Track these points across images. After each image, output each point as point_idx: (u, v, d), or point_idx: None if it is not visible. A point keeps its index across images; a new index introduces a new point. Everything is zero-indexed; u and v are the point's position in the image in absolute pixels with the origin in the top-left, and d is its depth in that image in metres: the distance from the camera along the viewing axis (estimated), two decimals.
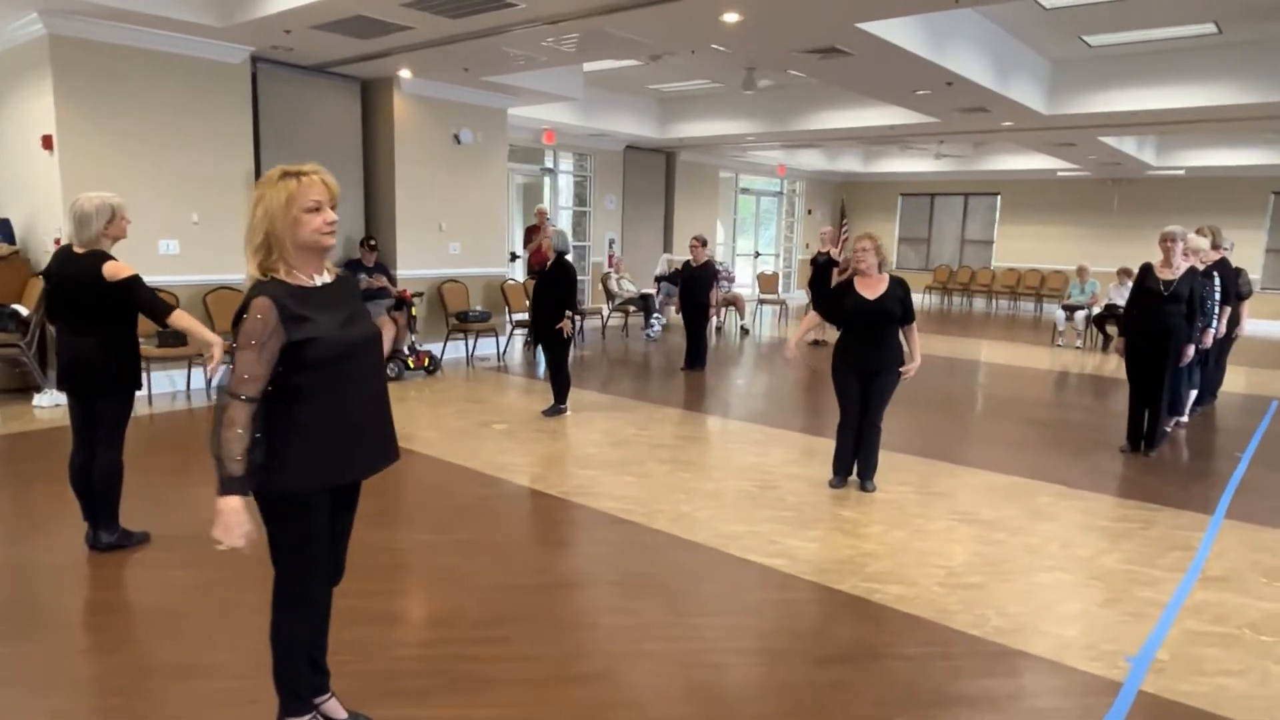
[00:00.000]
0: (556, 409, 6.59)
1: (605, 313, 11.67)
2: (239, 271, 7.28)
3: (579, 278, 8.19)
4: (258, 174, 7.43)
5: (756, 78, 9.68)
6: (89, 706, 2.57)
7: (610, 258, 13.44)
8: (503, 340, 9.47)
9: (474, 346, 9.18)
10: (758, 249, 17.48)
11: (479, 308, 9.15)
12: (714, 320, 12.40)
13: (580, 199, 13.68)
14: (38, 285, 6.63)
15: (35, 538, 3.95)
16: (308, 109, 7.96)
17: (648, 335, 11.09)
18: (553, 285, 6.44)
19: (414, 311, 8.09)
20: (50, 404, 6.40)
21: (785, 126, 11.80)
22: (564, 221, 13.60)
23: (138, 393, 3.80)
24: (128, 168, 6.60)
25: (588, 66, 9.93)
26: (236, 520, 2.04)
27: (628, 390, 7.87)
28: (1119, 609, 3.46)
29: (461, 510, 4.50)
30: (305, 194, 2.13)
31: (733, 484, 4.97)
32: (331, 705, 2.47)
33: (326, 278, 2.23)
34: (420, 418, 6.44)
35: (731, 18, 5.68)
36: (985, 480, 5.20)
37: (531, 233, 10.40)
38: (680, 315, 9.04)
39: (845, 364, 4.84)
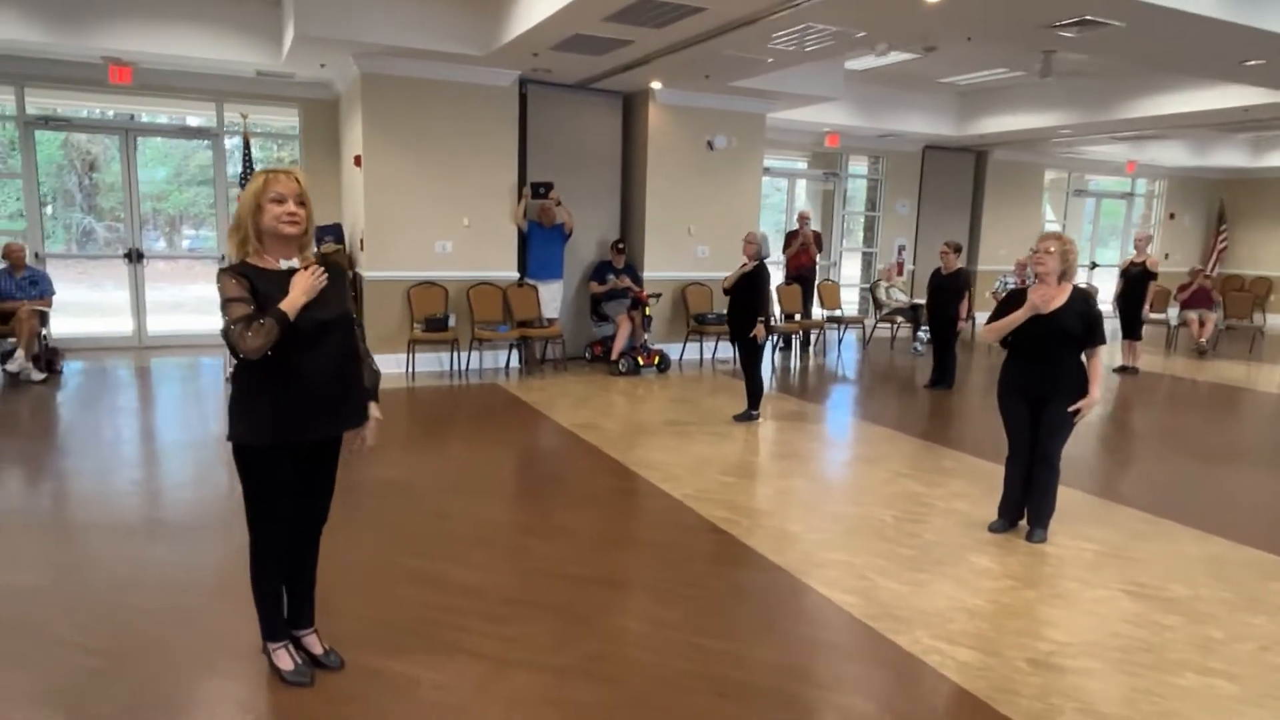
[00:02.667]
0: (748, 415, 6.48)
1: (868, 324, 11.07)
2: (499, 269, 8.31)
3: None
4: (521, 184, 8.37)
5: (1055, 62, 8.50)
6: (164, 603, 3.23)
7: (900, 264, 12.68)
8: None
9: (715, 349, 9.32)
10: (1094, 259, 15.13)
11: (721, 311, 9.25)
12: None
13: (871, 203, 13.09)
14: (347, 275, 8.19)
15: None
16: (572, 123, 8.73)
17: (915, 349, 10.28)
18: (748, 289, 6.33)
19: (648, 312, 8.47)
20: None
21: (1106, 115, 10.12)
22: (852, 226, 13.14)
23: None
24: (414, 180, 7.87)
25: (865, 64, 9.52)
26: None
27: (844, 404, 7.45)
28: None
29: (573, 497, 4.71)
30: (271, 187, 2.45)
31: (871, 511, 4.51)
32: (310, 640, 2.82)
33: (295, 263, 2.55)
34: (614, 410, 6.77)
35: None
36: (1211, 550, 4.08)
37: (791, 238, 10.23)
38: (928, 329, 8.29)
39: (1011, 388, 4.14)
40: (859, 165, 12.95)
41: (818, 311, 10.54)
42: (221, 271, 2.47)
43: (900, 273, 12.56)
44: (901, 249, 12.81)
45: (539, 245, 8.44)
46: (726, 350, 9.43)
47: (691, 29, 6.13)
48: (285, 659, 2.72)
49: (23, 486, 4.71)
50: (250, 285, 2.44)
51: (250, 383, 2.51)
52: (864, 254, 13.24)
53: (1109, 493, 4.91)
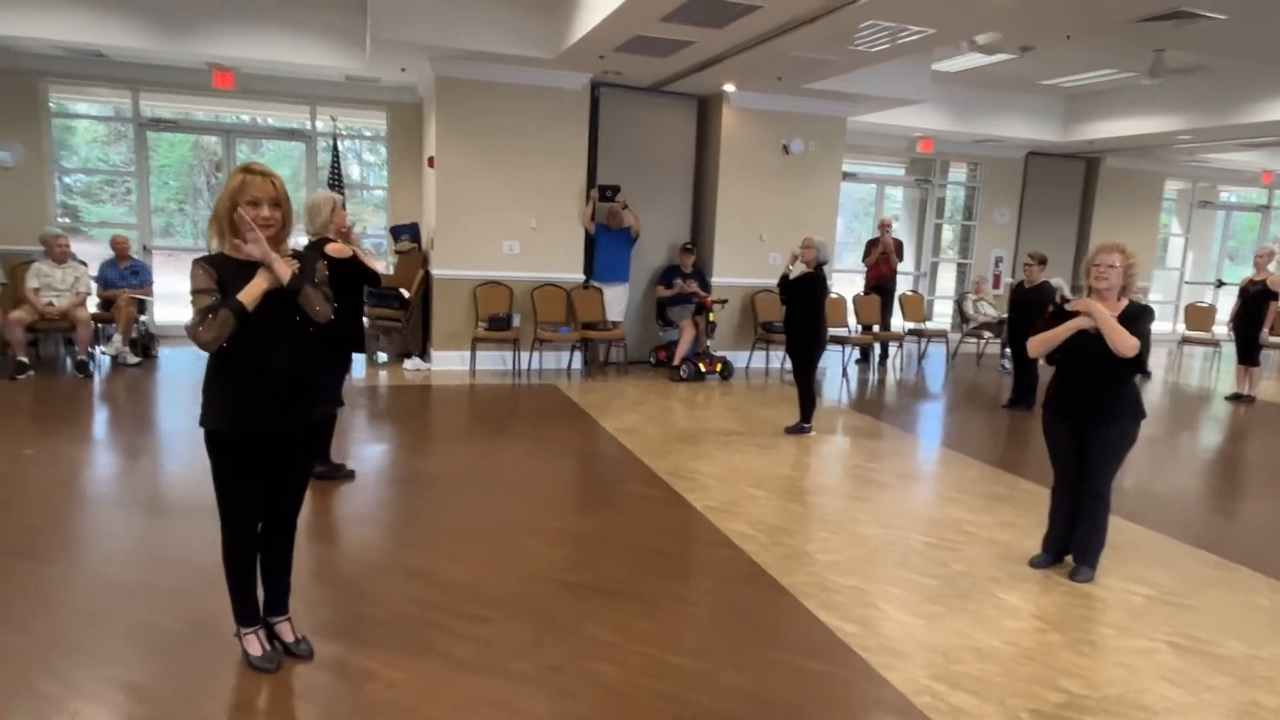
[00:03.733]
0: (799, 427, 6.24)
1: (951, 339, 10.50)
2: (564, 270, 8.35)
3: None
4: (589, 185, 8.38)
5: (1167, 62, 7.85)
6: (165, 582, 3.34)
7: (997, 277, 12.04)
8: None
9: (782, 358, 9.05)
10: (1220, 278, 13.88)
11: None
12: None
13: (969, 212, 12.47)
14: (419, 273, 8.42)
15: None
16: (644, 126, 8.68)
17: (1002, 366, 9.67)
18: (807, 296, 6.08)
19: (711, 318, 8.31)
20: (413, 368, 8.10)
21: (1232, 119, 9.25)
22: (945, 237, 12.55)
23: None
24: (484, 181, 8.00)
25: (960, 65, 9.07)
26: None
27: (908, 421, 7.08)
28: None
29: (591, 502, 4.64)
30: (248, 190, 2.49)
31: (901, 535, 4.24)
32: (283, 627, 2.85)
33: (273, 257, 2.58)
34: (663, 416, 6.65)
35: None
36: None
37: (871, 246, 9.83)
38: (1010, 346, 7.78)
39: (1055, 410, 3.80)
40: (959, 172, 12.37)
41: (899, 324, 10.09)
42: (194, 262, 2.53)
43: (997, 285, 11.91)
44: (999, 260, 12.14)
45: (605, 247, 8.43)
46: None
47: (753, 28, 5.97)
48: (254, 644, 2.76)
49: (81, 460, 5.03)
50: (218, 276, 2.48)
51: (219, 368, 2.56)
52: (959, 265, 12.62)
53: (1180, 531, 4.44)
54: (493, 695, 2.64)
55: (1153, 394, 8.85)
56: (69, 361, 7.48)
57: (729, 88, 8.34)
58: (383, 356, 8.49)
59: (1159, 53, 7.70)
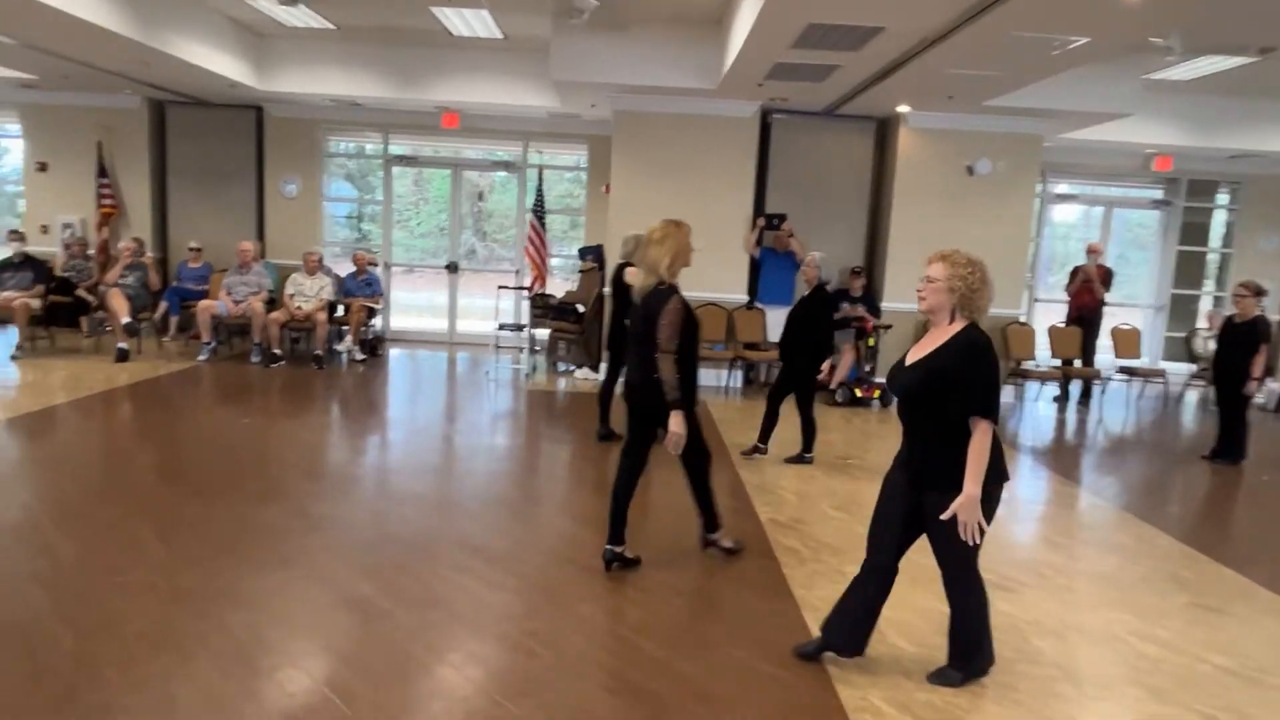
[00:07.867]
0: (800, 457, 5.85)
1: (1170, 379, 9.21)
2: (726, 291, 8.65)
3: None
4: (756, 210, 8.60)
5: None
6: (370, 509, 4.15)
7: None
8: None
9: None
10: None
11: None
12: None
13: (1227, 239, 10.88)
14: (595, 290, 9.13)
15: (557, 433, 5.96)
16: (818, 150, 8.73)
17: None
18: (806, 314, 5.78)
19: (871, 343, 8.12)
20: (582, 376, 8.81)
21: None
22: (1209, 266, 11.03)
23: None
24: (654, 205, 8.48)
25: (1190, 73, 8.12)
26: (679, 426, 3.44)
27: (1069, 464, 6.48)
28: None
29: (657, 503, 4.88)
30: (689, 234, 3.57)
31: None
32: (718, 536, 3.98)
33: None
34: (789, 437, 6.64)
35: None
36: None
37: (1075, 273, 8.98)
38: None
39: (896, 468, 3.01)
40: (1223, 194, 10.86)
41: (1107, 360, 9.10)
42: (681, 299, 3.52)
43: None
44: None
45: (771, 271, 8.59)
46: None
47: (889, 48, 5.91)
48: (727, 540, 4.00)
49: (280, 429, 6.20)
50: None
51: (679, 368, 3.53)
52: (1215, 298, 11.01)
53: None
54: (468, 644, 3.06)
55: None
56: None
57: (903, 109, 8.16)
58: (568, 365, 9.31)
59: None
